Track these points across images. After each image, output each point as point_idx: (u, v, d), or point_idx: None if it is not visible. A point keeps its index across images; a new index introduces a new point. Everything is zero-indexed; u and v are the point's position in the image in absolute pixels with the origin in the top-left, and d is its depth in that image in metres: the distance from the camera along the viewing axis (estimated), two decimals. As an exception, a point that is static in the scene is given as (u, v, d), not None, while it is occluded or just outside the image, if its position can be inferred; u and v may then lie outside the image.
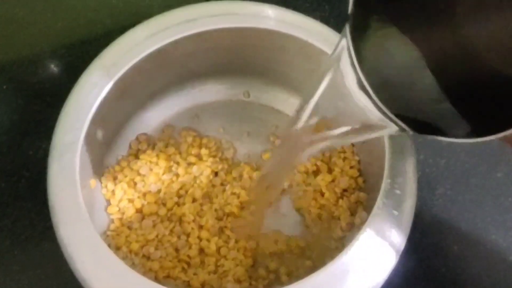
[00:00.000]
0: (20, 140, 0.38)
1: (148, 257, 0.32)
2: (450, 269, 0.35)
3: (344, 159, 0.34)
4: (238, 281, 0.31)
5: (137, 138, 0.35)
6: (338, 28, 0.43)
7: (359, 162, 0.34)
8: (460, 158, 0.39)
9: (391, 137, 0.28)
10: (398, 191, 0.27)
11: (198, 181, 0.34)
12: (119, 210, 0.33)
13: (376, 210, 0.26)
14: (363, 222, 0.26)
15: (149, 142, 0.36)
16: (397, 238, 0.26)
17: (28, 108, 0.40)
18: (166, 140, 0.36)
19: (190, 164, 0.34)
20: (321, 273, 0.24)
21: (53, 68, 0.41)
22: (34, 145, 0.38)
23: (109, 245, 0.31)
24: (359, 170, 0.34)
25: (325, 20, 0.43)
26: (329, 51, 0.31)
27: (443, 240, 0.36)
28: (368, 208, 0.29)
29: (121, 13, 0.43)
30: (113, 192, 0.33)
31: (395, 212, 0.26)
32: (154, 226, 0.33)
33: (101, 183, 0.33)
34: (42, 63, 0.41)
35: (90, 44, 0.42)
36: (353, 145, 0.34)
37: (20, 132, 0.39)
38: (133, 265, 0.30)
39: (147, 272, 0.31)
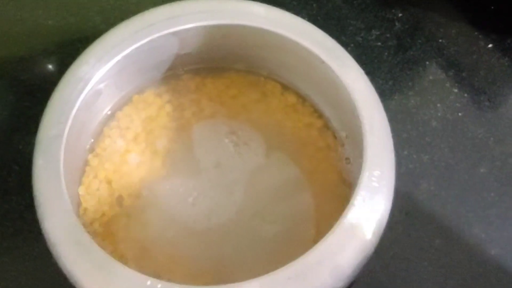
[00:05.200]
0: (10, 135, 0.39)
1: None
2: (432, 262, 0.36)
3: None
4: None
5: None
6: (326, 25, 0.44)
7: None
8: (444, 154, 0.39)
9: (371, 132, 0.29)
10: (375, 184, 0.27)
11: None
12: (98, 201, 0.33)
13: (353, 202, 0.27)
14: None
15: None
16: (373, 231, 0.26)
17: (18, 104, 0.40)
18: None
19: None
20: (292, 266, 0.25)
21: (44, 65, 0.42)
22: (24, 140, 0.39)
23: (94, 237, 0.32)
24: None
25: (313, 18, 0.44)
26: (311, 47, 0.32)
27: (425, 234, 0.37)
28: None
29: (111, 11, 0.44)
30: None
31: (372, 206, 0.27)
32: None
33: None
34: (33, 60, 0.42)
35: (80, 42, 0.43)
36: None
37: (11, 127, 0.39)
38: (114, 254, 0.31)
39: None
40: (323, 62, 0.31)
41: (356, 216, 0.27)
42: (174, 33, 0.33)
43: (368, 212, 0.27)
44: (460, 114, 0.41)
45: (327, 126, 0.37)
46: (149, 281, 0.25)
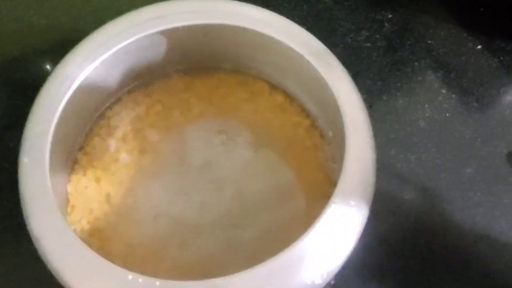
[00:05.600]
0: (1, 133, 0.39)
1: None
2: (417, 260, 0.36)
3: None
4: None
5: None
6: (316, 26, 0.45)
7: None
8: (431, 154, 0.40)
9: (353, 131, 0.29)
10: (356, 182, 0.28)
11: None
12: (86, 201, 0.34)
13: (334, 199, 0.27)
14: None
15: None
16: (353, 228, 0.27)
17: (10, 103, 0.41)
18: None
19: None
20: (275, 260, 0.25)
21: (36, 64, 0.42)
22: (15, 138, 0.39)
23: (81, 234, 0.33)
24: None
25: (303, 19, 0.45)
26: (296, 47, 0.32)
27: (411, 232, 0.37)
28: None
29: (103, 10, 0.44)
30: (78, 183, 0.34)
31: (352, 203, 0.27)
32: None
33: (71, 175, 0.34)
34: (25, 59, 0.43)
35: (72, 41, 0.42)
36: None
37: (2, 125, 0.40)
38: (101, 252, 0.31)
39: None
40: (308, 62, 0.31)
41: (336, 214, 0.27)
42: (162, 32, 0.34)
43: (347, 210, 0.27)
44: (447, 114, 0.41)
45: (314, 125, 0.37)
46: (130, 276, 0.25)
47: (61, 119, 0.30)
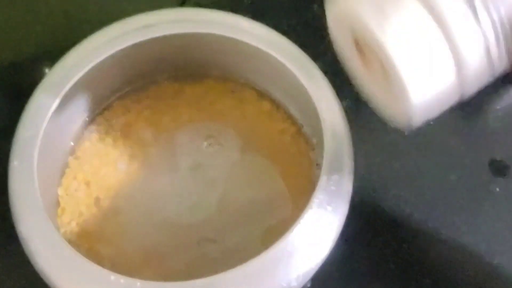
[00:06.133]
0: (-4, 137, 0.40)
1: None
2: (399, 266, 0.37)
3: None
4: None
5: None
6: (305, 35, 0.45)
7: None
8: (415, 161, 0.40)
9: (331, 138, 0.30)
10: (333, 188, 0.29)
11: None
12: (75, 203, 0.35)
13: (311, 205, 0.28)
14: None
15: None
16: (329, 232, 0.28)
17: (5, 107, 0.42)
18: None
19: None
20: (250, 263, 0.26)
21: (32, 70, 0.44)
22: (9, 142, 0.40)
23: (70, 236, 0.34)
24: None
25: (292, 27, 0.46)
26: (279, 57, 0.34)
27: (394, 238, 0.38)
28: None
29: (98, 19, 0.45)
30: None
31: (329, 208, 0.28)
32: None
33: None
34: (21, 65, 0.44)
35: (67, 48, 0.44)
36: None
37: (-3, 130, 0.41)
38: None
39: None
40: (290, 71, 0.32)
41: (313, 219, 0.28)
42: (152, 40, 0.35)
43: (325, 215, 0.28)
44: (432, 123, 0.42)
45: (299, 132, 0.38)
46: (113, 277, 0.26)
47: (51, 124, 0.31)
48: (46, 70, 0.43)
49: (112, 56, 0.33)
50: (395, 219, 0.38)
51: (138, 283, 0.26)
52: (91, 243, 0.35)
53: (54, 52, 0.44)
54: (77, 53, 0.33)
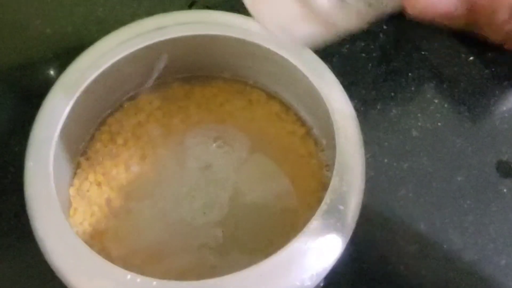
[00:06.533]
0: (7, 138, 0.41)
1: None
2: (407, 266, 0.37)
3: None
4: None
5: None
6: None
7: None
8: (423, 162, 0.41)
9: (343, 139, 0.30)
10: (345, 188, 0.29)
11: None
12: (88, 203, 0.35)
13: (323, 204, 0.28)
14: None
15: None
16: (342, 231, 0.28)
17: (16, 109, 0.42)
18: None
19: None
20: (266, 262, 0.27)
21: (41, 71, 0.44)
22: (20, 143, 0.40)
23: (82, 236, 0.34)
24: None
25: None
26: (291, 59, 0.34)
27: (402, 239, 0.38)
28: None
29: (107, 20, 0.46)
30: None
31: (341, 207, 0.28)
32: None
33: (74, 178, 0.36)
34: (31, 67, 0.44)
35: (76, 50, 0.44)
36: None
37: (8, 130, 0.41)
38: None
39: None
40: (301, 72, 0.33)
41: (326, 219, 0.28)
42: (163, 42, 0.35)
43: (337, 215, 0.28)
44: (440, 124, 0.42)
45: (309, 133, 0.38)
46: (129, 276, 0.27)
47: (65, 125, 0.31)
48: (52, 74, 0.44)
49: (124, 58, 0.34)
50: (403, 219, 0.39)
51: (154, 282, 0.26)
52: (103, 243, 0.35)
53: (63, 55, 0.45)
54: (91, 55, 0.33)
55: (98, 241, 0.35)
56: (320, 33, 0.25)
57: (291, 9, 0.24)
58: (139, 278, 0.26)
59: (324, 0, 0.23)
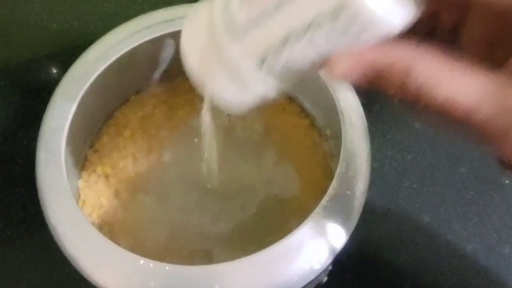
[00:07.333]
0: (15, 131, 0.41)
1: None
2: (411, 256, 0.38)
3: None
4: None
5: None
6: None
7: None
8: (426, 153, 0.41)
9: (349, 128, 0.31)
10: (351, 173, 0.29)
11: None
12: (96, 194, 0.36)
13: (331, 191, 0.29)
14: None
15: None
16: (349, 215, 0.29)
17: (23, 103, 0.43)
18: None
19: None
20: (275, 246, 0.27)
21: (48, 66, 0.44)
22: (28, 136, 0.41)
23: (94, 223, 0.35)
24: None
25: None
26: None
27: (407, 229, 0.39)
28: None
29: (112, 16, 0.46)
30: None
31: (348, 192, 0.29)
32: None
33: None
34: (38, 61, 0.45)
35: (82, 44, 0.45)
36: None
37: (16, 124, 0.42)
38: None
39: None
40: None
41: (334, 204, 0.29)
42: (169, 36, 0.35)
43: (343, 201, 0.29)
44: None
45: (313, 124, 0.39)
46: (142, 261, 0.27)
47: (75, 116, 0.32)
48: (59, 68, 0.44)
49: (131, 51, 0.34)
50: (407, 210, 0.39)
51: (167, 267, 0.27)
52: (111, 234, 0.35)
53: (70, 50, 0.45)
54: (99, 48, 0.34)
55: (106, 232, 0.35)
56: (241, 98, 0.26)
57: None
58: (151, 263, 0.27)
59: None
